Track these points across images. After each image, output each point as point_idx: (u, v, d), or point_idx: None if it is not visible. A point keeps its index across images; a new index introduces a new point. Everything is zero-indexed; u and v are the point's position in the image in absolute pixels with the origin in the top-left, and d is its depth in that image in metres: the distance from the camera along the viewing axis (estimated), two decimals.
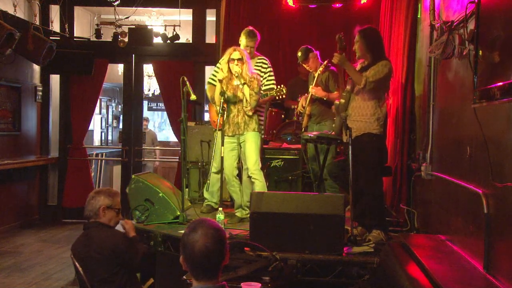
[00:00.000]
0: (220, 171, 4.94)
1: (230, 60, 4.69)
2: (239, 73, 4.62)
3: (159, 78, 7.95)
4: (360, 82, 4.03)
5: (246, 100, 4.65)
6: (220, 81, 4.76)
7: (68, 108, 7.97)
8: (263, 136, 4.96)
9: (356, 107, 4.14)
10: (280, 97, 5.20)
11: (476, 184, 3.03)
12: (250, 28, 5.40)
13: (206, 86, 5.46)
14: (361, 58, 4.27)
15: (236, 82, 4.70)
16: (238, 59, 4.65)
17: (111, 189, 3.40)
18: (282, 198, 3.88)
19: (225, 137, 4.79)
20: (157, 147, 10.21)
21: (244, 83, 4.63)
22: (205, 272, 1.97)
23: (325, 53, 5.56)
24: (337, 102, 4.31)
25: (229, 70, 4.72)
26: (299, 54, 5.46)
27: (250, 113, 4.72)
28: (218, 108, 4.68)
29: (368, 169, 4.12)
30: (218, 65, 5.44)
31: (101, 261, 3.12)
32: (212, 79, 5.37)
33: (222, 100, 4.71)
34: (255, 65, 5.23)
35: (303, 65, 5.55)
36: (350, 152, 4.07)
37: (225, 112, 4.69)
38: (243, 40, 5.28)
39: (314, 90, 5.23)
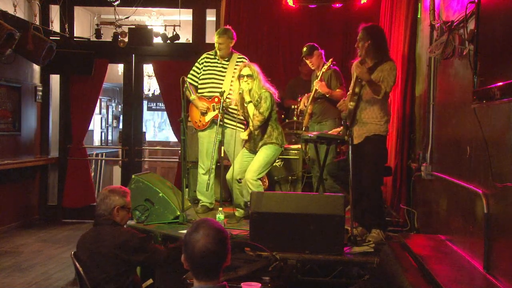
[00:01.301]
0: (212, 172, 4.94)
1: (240, 77, 4.59)
2: (245, 90, 4.52)
3: (159, 78, 7.95)
4: (379, 94, 3.97)
5: (251, 119, 4.59)
6: (222, 93, 4.72)
7: (68, 108, 7.97)
8: (284, 145, 4.80)
9: (366, 110, 4.12)
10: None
11: (476, 184, 3.03)
12: (223, 27, 5.37)
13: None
14: (362, 55, 4.21)
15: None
16: (248, 75, 4.54)
17: (123, 187, 3.37)
18: (282, 198, 3.88)
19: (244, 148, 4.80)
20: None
21: (250, 101, 4.55)
22: (205, 272, 1.97)
23: (325, 53, 5.56)
24: (343, 113, 4.28)
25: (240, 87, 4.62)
26: (304, 49, 5.42)
27: (257, 132, 4.67)
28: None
29: (376, 168, 4.13)
30: (197, 64, 5.37)
31: (110, 258, 3.08)
32: (191, 79, 5.29)
33: (222, 100, 4.70)
34: (235, 65, 5.15)
35: (306, 60, 5.51)
36: (350, 152, 4.07)
37: (208, 113, 4.67)
38: (215, 37, 5.21)
39: (318, 84, 5.20)
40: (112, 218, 3.21)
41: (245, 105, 4.61)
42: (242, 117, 4.85)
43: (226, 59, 5.21)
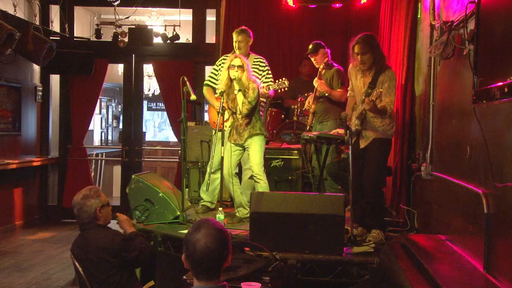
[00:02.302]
0: (218, 171, 4.95)
1: (230, 66, 4.71)
2: (237, 77, 4.65)
3: (159, 78, 7.95)
4: (386, 115, 4.06)
5: (239, 108, 4.71)
6: (222, 93, 4.78)
7: (68, 108, 7.98)
8: (267, 136, 4.96)
9: (372, 125, 4.15)
10: (283, 89, 5.21)
11: (476, 184, 3.03)
12: (242, 27, 5.45)
13: (204, 88, 5.46)
14: (367, 68, 4.17)
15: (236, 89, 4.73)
16: (238, 66, 4.67)
17: (91, 188, 3.34)
18: (282, 198, 3.88)
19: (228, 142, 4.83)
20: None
21: (240, 90, 4.68)
22: (205, 271, 1.97)
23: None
24: (343, 114, 4.29)
25: (229, 77, 4.73)
26: (310, 46, 5.44)
27: (241, 121, 4.75)
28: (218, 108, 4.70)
29: (379, 169, 4.14)
30: (215, 66, 5.47)
31: (98, 263, 3.14)
32: (210, 81, 5.41)
33: (222, 100, 4.72)
34: (253, 65, 5.24)
35: (311, 58, 5.52)
36: (350, 152, 4.08)
37: (225, 112, 4.71)
38: (234, 37, 5.32)
39: (318, 82, 5.22)
40: (96, 221, 3.24)
41: (235, 93, 4.73)
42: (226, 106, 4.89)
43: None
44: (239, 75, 4.66)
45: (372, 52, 4.09)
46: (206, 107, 7.76)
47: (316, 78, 5.26)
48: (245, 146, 4.80)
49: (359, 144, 4.21)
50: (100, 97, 8.75)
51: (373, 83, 4.08)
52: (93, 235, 3.21)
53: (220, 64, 5.42)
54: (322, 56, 5.38)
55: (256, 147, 4.74)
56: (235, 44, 5.28)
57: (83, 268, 3.13)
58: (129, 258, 3.24)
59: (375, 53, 4.11)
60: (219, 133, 5.20)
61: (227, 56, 5.45)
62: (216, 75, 5.40)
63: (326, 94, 5.25)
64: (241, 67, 4.67)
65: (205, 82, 5.48)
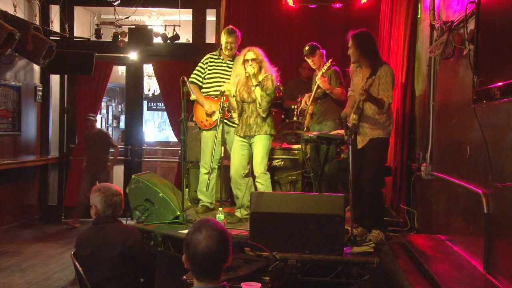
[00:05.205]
0: (214, 171, 4.95)
1: (245, 61, 4.64)
2: (251, 73, 4.59)
3: (159, 78, 7.96)
4: (384, 108, 4.05)
5: (259, 102, 4.63)
6: (222, 93, 4.73)
7: (70, 108, 8.03)
8: (272, 137, 4.88)
9: (370, 121, 4.15)
10: (277, 94, 5.19)
11: (476, 184, 3.03)
12: (230, 26, 5.40)
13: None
14: (356, 62, 4.26)
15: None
16: (252, 59, 4.61)
17: (114, 186, 3.35)
18: (282, 198, 3.88)
19: (236, 136, 4.80)
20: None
21: (257, 85, 4.61)
22: (206, 272, 1.97)
23: (325, 52, 5.55)
24: (343, 113, 4.30)
25: (246, 72, 4.67)
26: (307, 48, 5.42)
27: (264, 115, 4.69)
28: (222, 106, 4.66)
29: (378, 169, 4.14)
30: (200, 64, 5.38)
31: (117, 257, 3.07)
32: (195, 78, 5.31)
33: (222, 100, 4.71)
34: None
35: (308, 59, 5.50)
36: (350, 152, 4.08)
37: (215, 113, 4.69)
38: (223, 38, 5.24)
39: (321, 79, 5.22)
40: (116, 215, 3.23)
41: (252, 89, 4.65)
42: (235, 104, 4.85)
43: (231, 59, 5.23)
44: (254, 70, 4.58)
45: (356, 48, 4.16)
46: None
47: (319, 75, 5.23)
48: (251, 143, 4.75)
49: (357, 143, 4.20)
50: None
51: (371, 77, 4.09)
52: (115, 228, 3.16)
53: (206, 63, 5.32)
54: (319, 57, 5.38)
55: (259, 147, 4.69)
56: (225, 45, 5.18)
57: (93, 262, 3.07)
58: (141, 262, 3.21)
59: (363, 50, 4.15)
60: (206, 133, 5.20)
61: (212, 54, 5.38)
62: (202, 73, 5.31)
63: (328, 91, 5.24)
64: (255, 60, 4.60)
65: (190, 80, 5.22)
